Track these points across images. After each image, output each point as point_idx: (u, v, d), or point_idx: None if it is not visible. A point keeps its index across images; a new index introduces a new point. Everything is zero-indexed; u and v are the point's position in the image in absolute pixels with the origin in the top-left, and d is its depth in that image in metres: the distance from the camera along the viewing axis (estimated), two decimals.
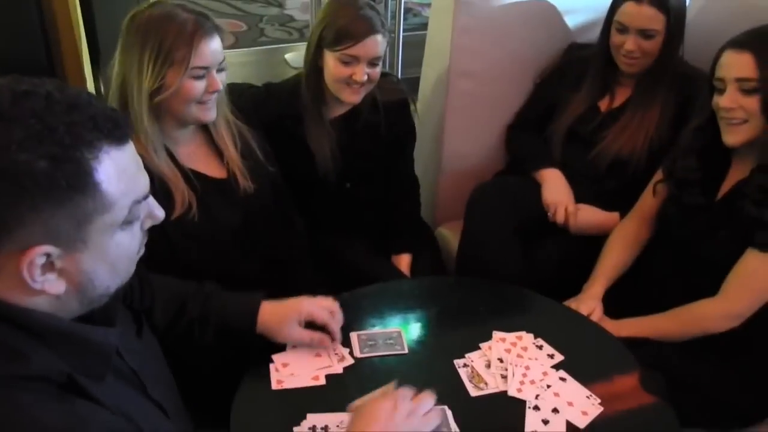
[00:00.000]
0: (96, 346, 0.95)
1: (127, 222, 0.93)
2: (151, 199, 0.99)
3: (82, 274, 0.90)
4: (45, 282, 0.88)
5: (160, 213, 1.01)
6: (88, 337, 0.95)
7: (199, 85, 1.60)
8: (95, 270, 0.91)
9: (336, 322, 1.50)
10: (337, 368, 1.47)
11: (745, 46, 1.60)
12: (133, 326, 1.18)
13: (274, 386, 1.42)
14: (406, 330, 1.58)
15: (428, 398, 1.25)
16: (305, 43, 2.03)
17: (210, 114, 1.66)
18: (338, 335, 1.50)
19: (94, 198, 0.87)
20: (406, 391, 1.24)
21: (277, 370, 1.45)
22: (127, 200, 0.91)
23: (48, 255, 0.86)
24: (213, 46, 1.59)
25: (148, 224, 1.00)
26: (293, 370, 1.45)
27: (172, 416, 1.14)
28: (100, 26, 3.31)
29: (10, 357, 0.85)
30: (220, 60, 1.62)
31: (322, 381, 1.44)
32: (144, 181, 0.96)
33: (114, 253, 0.93)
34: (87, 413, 0.87)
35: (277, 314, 1.47)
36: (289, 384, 1.43)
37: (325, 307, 1.50)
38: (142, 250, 1.02)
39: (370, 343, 1.53)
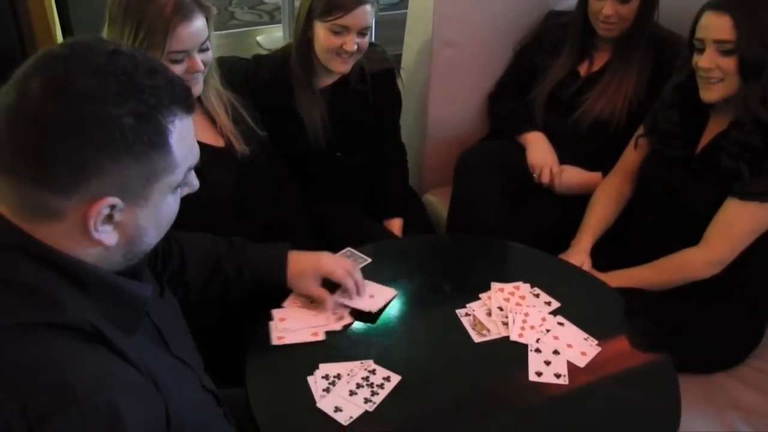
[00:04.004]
0: (133, 298, 0.99)
1: (179, 186, 0.98)
2: None
3: (135, 228, 0.95)
4: (103, 233, 0.91)
5: (196, 182, 1.04)
6: (127, 289, 0.98)
7: (178, 68, 1.59)
8: (147, 226, 0.96)
9: (352, 281, 1.55)
10: (336, 326, 1.50)
11: (724, 8, 1.66)
12: (156, 287, 1.20)
13: (274, 342, 1.46)
14: (405, 287, 1.63)
15: None
16: (276, 26, 2.07)
17: (194, 90, 1.66)
18: (353, 291, 1.55)
19: (166, 158, 0.92)
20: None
21: (276, 326, 1.50)
22: (186, 165, 0.96)
23: (113, 207, 0.90)
24: (193, 29, 1.57)
25: (185, 192, 1.04)
26: (293, 326, 1.49)
27: (197, 371, 1.19)
28: (74, 10, 3.28)
29: (47, 304, 0.88)
30: (201, 41, 1.60)
31: (322, 337, 1.48)
32: (197, 150, 1.00)
33: (164, 212, 0.98)
34: (116, 369, 0.89)
35: (299, 266, 1.54)
36: (290, 339, 1.47)
37: (343, 266, 1.56)
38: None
39: None
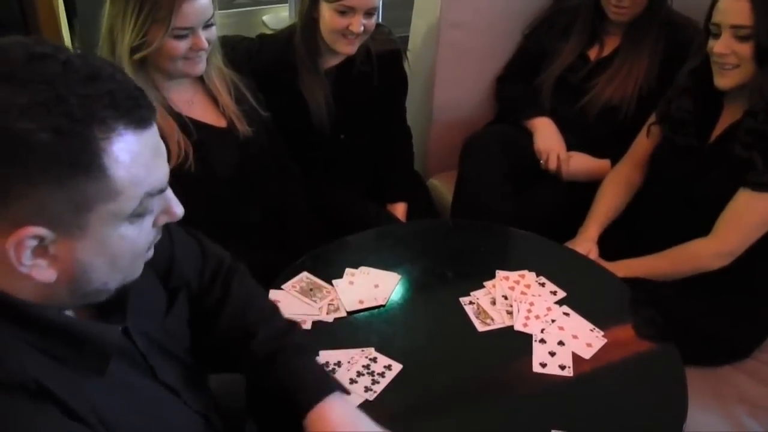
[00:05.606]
0: (93, 343, 0.87)
1: (137, 215, 0.83)
2: (170, 193, 0.89)
3: (77, 264, 0.81)
4: (33, 267, 0.79)
5: (178, 210, 0.90)
6: (87, 333, 0.87)
7: (183, 45, 1.58)
8: (92, 262, 0.82)
9: None
10: (327, 318, 1.46)
11: None
12: (163, 304, 1.08)
13: None
14: (408, 273, 1.60)
15: None
16: (283, 5, 2.02)
17: (197, 68, 1.65)
18: None
19: (99, 183, 0.77)
20: None
21: None
22: (139, 191, 0.81)
23: (41, 239, 0.77)
24: (198, 6, 1.55)
25: (164, 220, 0.90)
26: (283, 310, 1.45)
27: (183, 395, 1.05)
28: None
29: None
30: (206, 18, 1.59)
31: (308, 326, 1.44)
32: (162, 173, 0.85)
33: (116, 246, 0.83)
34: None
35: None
36: None
37: None
38: (152, 252, 0.92)
39: None
